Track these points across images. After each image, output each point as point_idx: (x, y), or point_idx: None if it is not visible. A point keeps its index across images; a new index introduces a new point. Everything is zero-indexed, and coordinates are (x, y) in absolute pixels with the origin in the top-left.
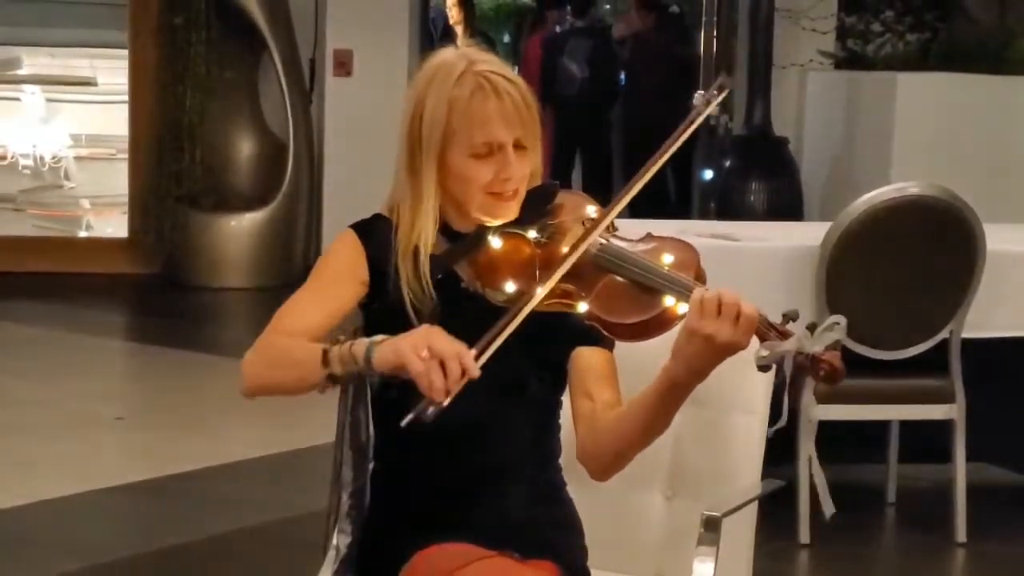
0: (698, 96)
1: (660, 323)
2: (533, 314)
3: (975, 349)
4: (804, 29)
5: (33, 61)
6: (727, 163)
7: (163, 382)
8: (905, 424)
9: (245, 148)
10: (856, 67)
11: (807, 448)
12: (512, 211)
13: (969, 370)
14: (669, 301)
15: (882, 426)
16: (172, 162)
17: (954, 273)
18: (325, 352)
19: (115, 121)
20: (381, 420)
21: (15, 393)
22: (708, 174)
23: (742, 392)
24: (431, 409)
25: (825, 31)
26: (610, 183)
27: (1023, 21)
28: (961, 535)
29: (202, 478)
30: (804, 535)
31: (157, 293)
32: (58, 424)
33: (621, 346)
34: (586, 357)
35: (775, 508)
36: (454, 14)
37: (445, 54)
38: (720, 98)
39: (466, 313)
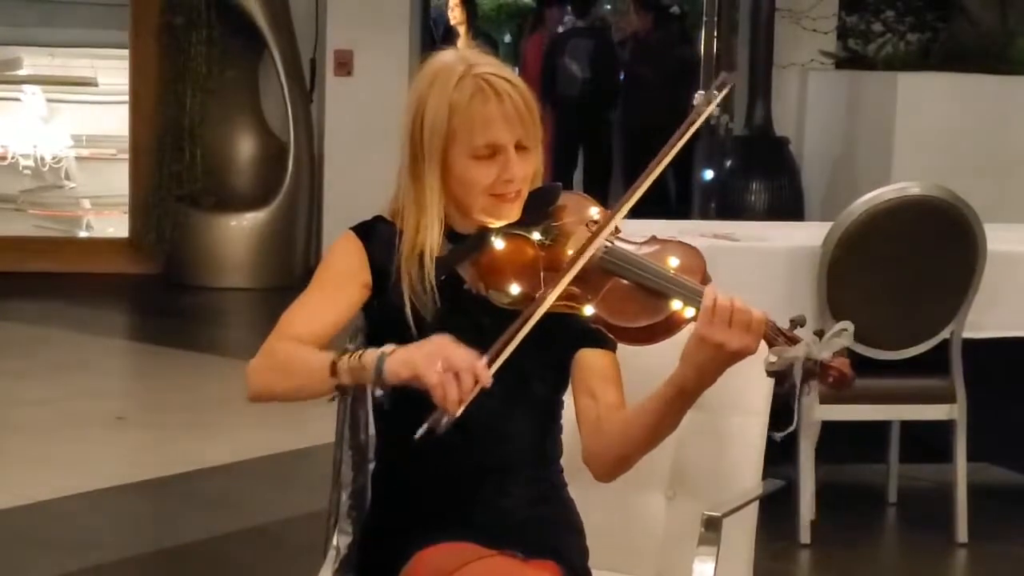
0: (699, 96)
1: (667, 327)
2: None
3: (976, 349)
4: (805, 29)
5: (34, 61)
6: (728, 163)
7: (164, 382)
8: (906, 424)
9: (246, 148)
10: (857, 67)
11: (808, 447)
12: (514, 212)
13: (970, 370)
14: (676, 305)
15: (883, 426)
16: (173, 162)
17: (955, 273)
18: (333, 363)
19: (116, 121)
20: (381, 420)
21: (15, 393)
22: (709, 174)
23: (742, 393)
24: (444, 420)
25: (826, 31)
26: (611, 183)
27: None
28: (962, 535)
29: (202, 478)
30: (804, 535)
31: (157, 293)
32: (58, 424)
33: (624, 348)
34: (590, 358)
35: (776, 508)
36: (456, 15)
37: (444, 57)
38: (724, 92)
39: (469, 315)
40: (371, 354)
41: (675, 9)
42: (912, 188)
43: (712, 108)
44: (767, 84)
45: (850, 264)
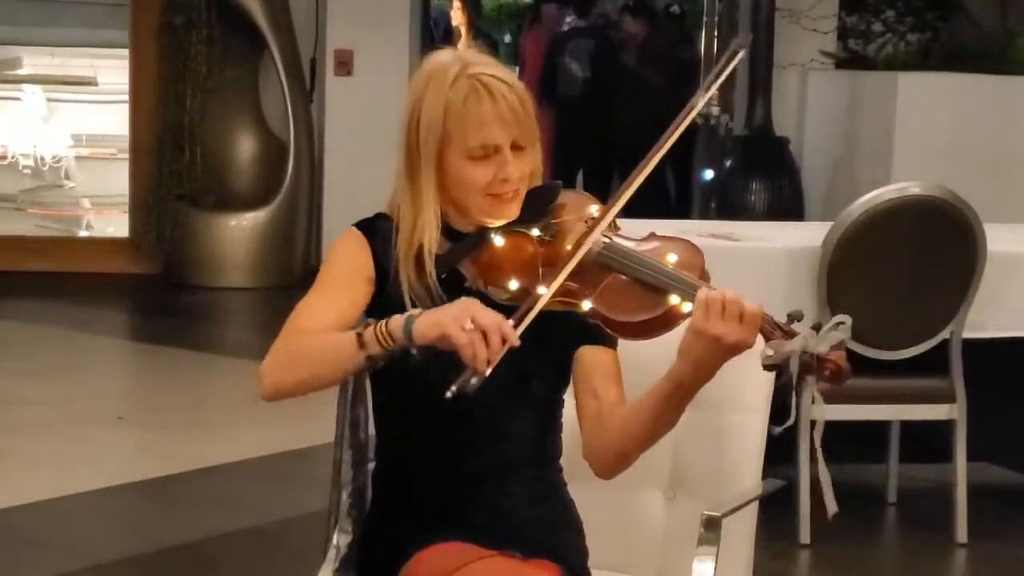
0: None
1: (665, 322)
2: (538, 313)
3: (976, 349)
4: (805, 29)
5: (34, 61)
6: (728, 163)
7: (164, 382)
8: (906, 424)
9: (246, 148)
10: (857, 67)
11: (807, 446)
12: (512, 212)
13: (970, 370)
14: (674, 300)
15: (883, 426)
16: (173, 162)
17: (955, 273)
18: (359, 335)
19: (116, 121)
20: (380, 419)
21: (16, 392)
22: (709, 174)
23: (743, 392)
24: (474, 379)
25: (826, 31)
26: (611, 183)
27: None
28: (962, 535)
29: (202, 478)
30: (804, 535)
31: (158, 293)
32: (59, 424)
33: (624, 345)
34: (590, 356)
35: (775, 508)
36: (458, 16)
37: (440, 57)
38: (738, 59)
39: None
40: (398, 319)
41: (675, 8)
42: (912, 188)
43: (724, 76)
44: (767, 84)
45: (850, 264)
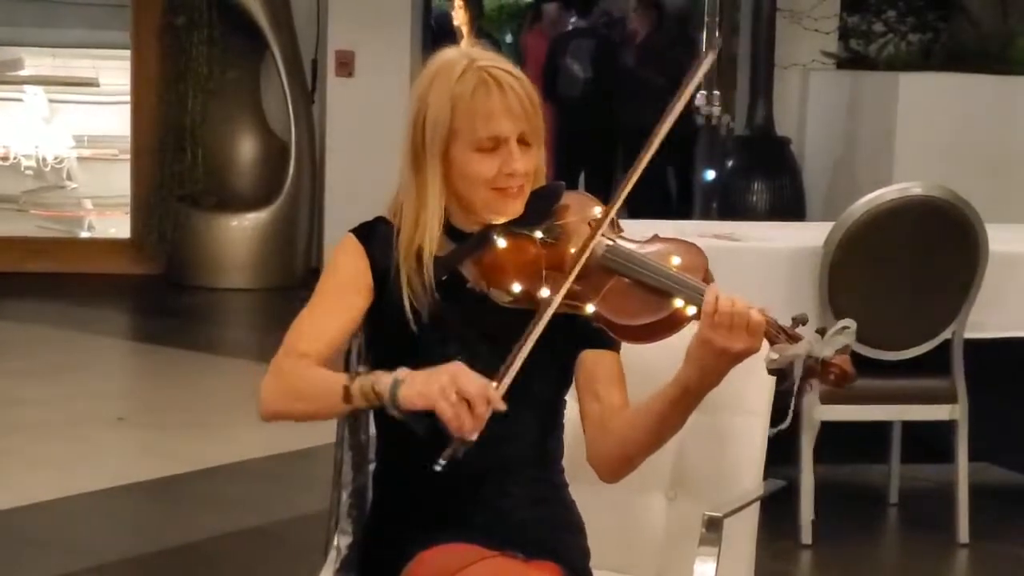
0: (700, 96)
1: (670, 325)
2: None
3: (977, 349)
4: (806, 29)
5: (35, 62)
6: (729, 163)
7: (165, 382)
8: (907, 424)
9: (247, 149)
10: (858, 67)
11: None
12: (516, 208)
13: (971, 370)
14: (678, 303)
15: (884, 426)
16: (174, 162)
17: (956, 273)
18: (346, 388)
19: (117, 122)
20: (382, 420)
21: (17, 393)
22: (710, 174)
23: (744, 394)
24: (462, 449)
25: (827, 31)
26: (613, 184)
27: None
28: (963, 536)
29: (203, 478)
30: (806, 535)
31: (159, 293)
32: (59, 424)
33: (628, 348)
34: (593, 359)
35: (777, 509)
36: (460, 16)
37: (447, 53)
38: (710, 60)
39: (471, 313)
40: (385, 382)
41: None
42: (913, 188)
43: (703, 71)
44: (768, 84)
45: (851, 264)
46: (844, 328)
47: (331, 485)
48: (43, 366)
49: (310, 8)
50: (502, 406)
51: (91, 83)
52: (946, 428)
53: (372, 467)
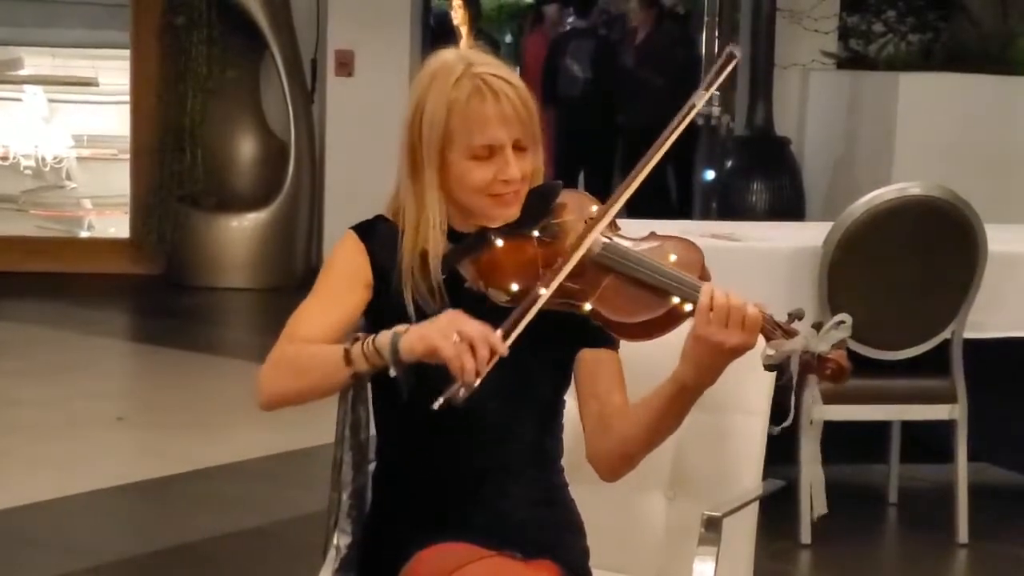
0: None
1: (666, 322)
2: (539, 314)
3: (977, 349)
4: (806, 29)
5: (35, 61)
6: (729, 163)
7: (164, 382)
8: (907, 424)
9: (246, 148)
10: (858, 67)
11: (809, 448)
12: (513, 213)
13: (971, 370)
14: (675, 300)
15: (884, 426)
16: (174, 162)
17: (956, 273)
18: (347, 351)
19: (117, 121)
20: (381, 420)
21: (16, 393)
22: (710, 174)
23: (743, 393)
24: (462, 391)
25: (827, 31)
26: (612, 183)
27: None
28: (963, 536)
29: (202, 478)
30: (805, 535)
31: (158, 293)
32: (59, 424)
33: (626, 346)
34: (592, 358)
35: (776, 508)
36: (459, 15)
37: (444, 56)
38: (729, 68)
39: (470, 313)
40: (384, 335)
41: (679, 8)
42: (913, 188)
43: (714, 88)
44: (768, 84)
45: (851, 264)
46: (840, 323)
47: (331, 485)
48: (42, 366)
49: (310, 8)
50: (505, 352)
51: (91, 83)
52: (945, 428)
53: (372, 467)
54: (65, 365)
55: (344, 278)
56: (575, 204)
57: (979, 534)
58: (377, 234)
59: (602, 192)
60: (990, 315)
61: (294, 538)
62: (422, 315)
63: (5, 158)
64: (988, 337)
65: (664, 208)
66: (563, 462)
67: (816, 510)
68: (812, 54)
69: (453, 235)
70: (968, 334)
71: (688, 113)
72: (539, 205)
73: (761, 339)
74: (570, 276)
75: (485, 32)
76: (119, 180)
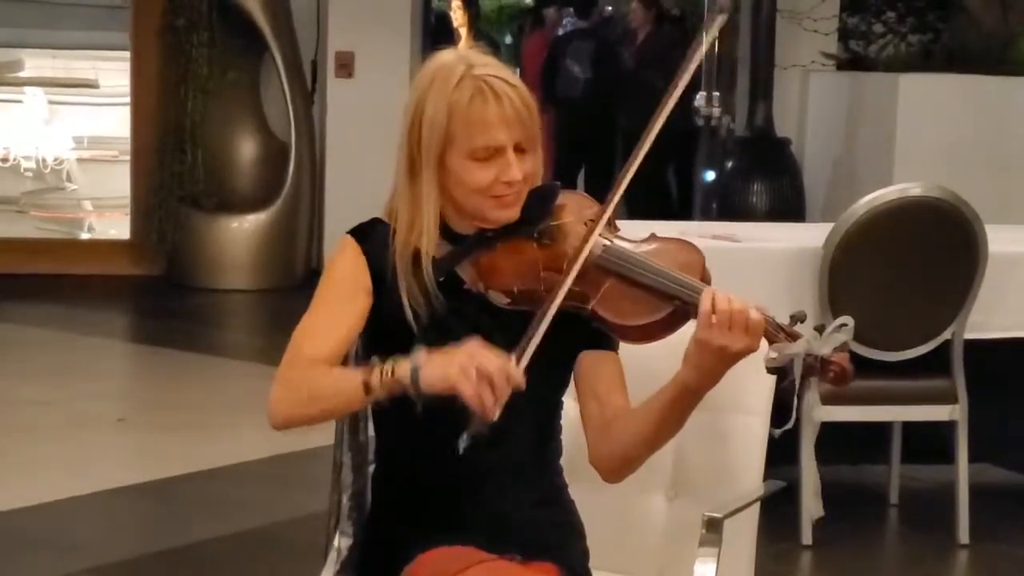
0: (699, 96)
1: (667, 324)
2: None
3: (977, 350)
4: (806, 30)
5: (35, 63)
6: (729, 164)
7: (165, 383)
8: (907, 425)
9: (247, 150)
10: (858, 68)
11: (809, 448)
12: (512, 214)
13: (971, 371)
14: (676, 303)
15: (884, 427)
16: (174, 164)
17: (956, 274)
18: (366, 382)
19: (117, 123)
20: (380, 421)
21: (17, 394)
22: (710, 175)
23: (744, 394)
24: (484, 427)
25: (827, 32)
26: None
27: None
28: (964, 536)
29: (203, 480)
30: (806, 536)
31: (159, 294)
32: (60, 425)
33: (627, 348)
34: (592, 360)
35: (777, 509)
36: (458, 17)
37: (444, 57)
38: (721, 21)
39: (469, 315)
40: (404, 367)
41: (675, 12)
42: (913, 189)
43: (713, 35)
44: (768, 85)
45: (851, 265)
46: (842, 325)
47: (331, 487)
48: (43, 367)
49: (310, 9)
50: (522, 383)
51: (91, 84)
52: (946, 428)
53: (372, 468)
54: (66, 366)
55: (344, 288)
56: (574, 205)
57: (980, 534)
58: (373, 236)
59: (602, 193)
60: (990, 315)
61: (295, 539)
62: (417, 317)
63: (5, 160)
64: (988, 337)
65: (664, 209)
66: (563, 463)
67: (813, 513)
68: (812, 55)
69: (451, 236)
70: (968, 334)
71: (687, 69)
72: (538, 207)
73: (764, 342)
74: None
75: (485, 33)
76: (119, 181)
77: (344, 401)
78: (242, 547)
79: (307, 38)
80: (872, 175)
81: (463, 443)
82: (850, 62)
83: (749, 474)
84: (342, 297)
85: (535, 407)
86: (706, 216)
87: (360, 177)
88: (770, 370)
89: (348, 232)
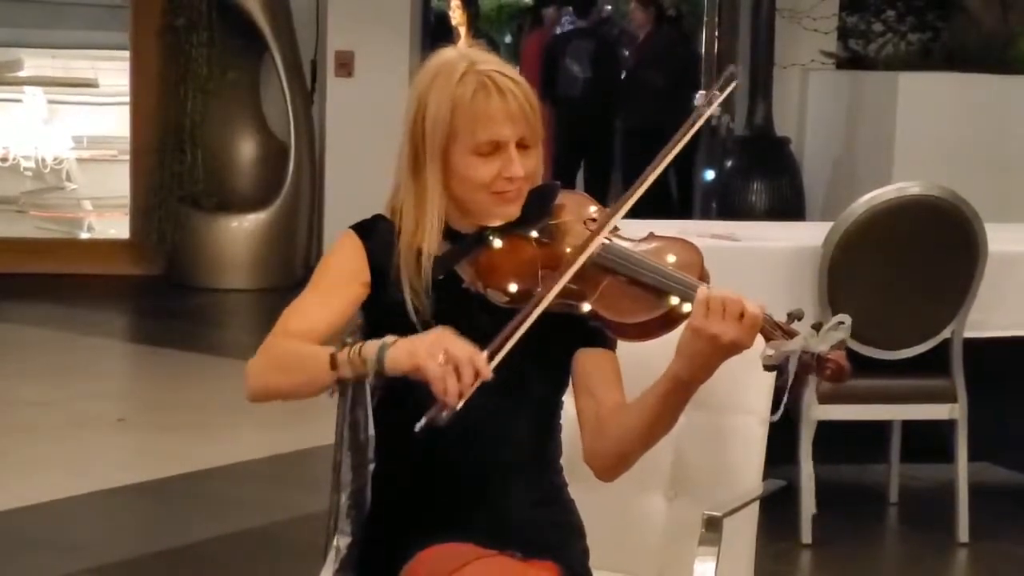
0: (699, 96)
1: (665, 322)
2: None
3: (977, 349)
4: (806, 29)
5: (35, 63)
6: (729, 163)
7: (164, 383)
8: (907, 424)
9: (247, 149)
10: (858, 67)
11: (808, 446)
12: (513, 211)
13: (971, 370)
14: (674, 300)
15: (884, 426)
16: (174, 163)
17: (955, 273)
18: (333, 356)
19: (117, 122)
20: (381, 421)
21: (17, 394)
22: (710, 174)
23: (743, 393)
24: (445, 413)
25: (827, 31)
26: (611, 184)
27: None
28: (963, 535)
29: (203, 479)
30: (806, 535)
31: (159, 294)
32: (60, 425)
33: (622, 346)
34: (589, 358)
35: (777, 508)
36: (458, 16)
37: (446, 54)
38: (729, 90)
39: (467, 314)
40: (372, 345)
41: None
42: (913, 188)
43: (716, 105)
44: (768, 84)
45: (851, 264)
46: (839, 323)
47: (330, 486)
48: (43, 367)
49: (309, 9)
50: (489, 376)
51: (91, 84)
52: (946, 428)
53: (371, 468)
54: (65, 366)
55: (340, 276)
56: (573, 205)
57: (979, 534)
58: (376, 233)
59: (601, 192)
60: (990, 314)
61: (294, 539)
62: (419, 313)
63: (5, 159)
64: (988, 336)
65: (664, 208)
66: (562, 462)
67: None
68: (812, 54)
69: (451, 234)
70: (968, 333)
71: (693, 125)
72: (538, 205)
73: (760, 339)
74: (569, 277)
75: (484, 32)
76: (119, 181)
77: (311, 375)
78: (241, 547)
79: (307, 38)
80: (872, 174)
81: (419, 426)
82: (850, 61)
83: (748, 473)
84: (336, 283)
85: (535, 407)
86: (706, 215)
87: (360, 176)
88: (767, 367)
89: (350, 227)
